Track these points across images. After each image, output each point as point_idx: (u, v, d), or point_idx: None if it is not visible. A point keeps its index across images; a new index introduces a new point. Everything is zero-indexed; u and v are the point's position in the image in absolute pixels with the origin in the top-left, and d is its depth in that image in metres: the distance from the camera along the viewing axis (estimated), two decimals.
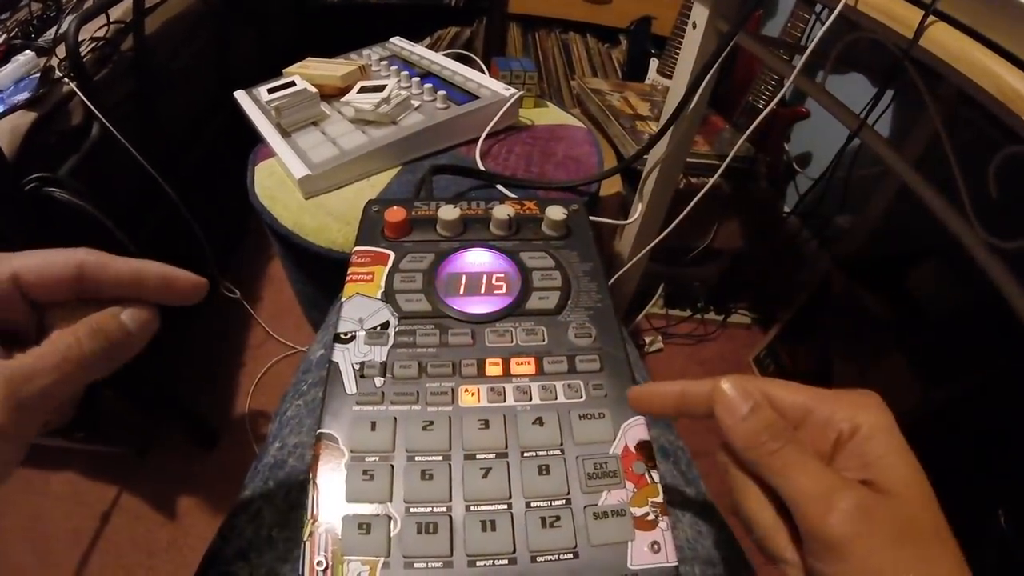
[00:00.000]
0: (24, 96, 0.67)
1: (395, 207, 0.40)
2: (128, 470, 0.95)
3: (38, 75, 0.71)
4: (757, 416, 0.23)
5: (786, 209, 1.32)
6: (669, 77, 1.20)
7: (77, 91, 0.70)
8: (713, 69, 0.63)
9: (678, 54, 0.75)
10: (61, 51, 0.71)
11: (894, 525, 0.20)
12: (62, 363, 0.21)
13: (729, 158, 0.67)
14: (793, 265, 1.28)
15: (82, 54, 0.71)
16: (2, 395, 0.19)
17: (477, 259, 0.39)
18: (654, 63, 1.34)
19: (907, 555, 0.20)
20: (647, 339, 1.22)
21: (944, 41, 0.40)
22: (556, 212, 0.40)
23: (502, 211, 0.40)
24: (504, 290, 0.37)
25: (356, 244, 0.40)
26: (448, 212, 0.40)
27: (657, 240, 0.80)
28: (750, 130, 0.62)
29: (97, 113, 0.72)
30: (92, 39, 0.77)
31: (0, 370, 0.19)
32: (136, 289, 0.24)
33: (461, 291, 0.37)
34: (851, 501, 0.21)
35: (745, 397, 0.24)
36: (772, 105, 0.60)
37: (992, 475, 0.76)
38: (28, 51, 0.73)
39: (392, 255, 0.39)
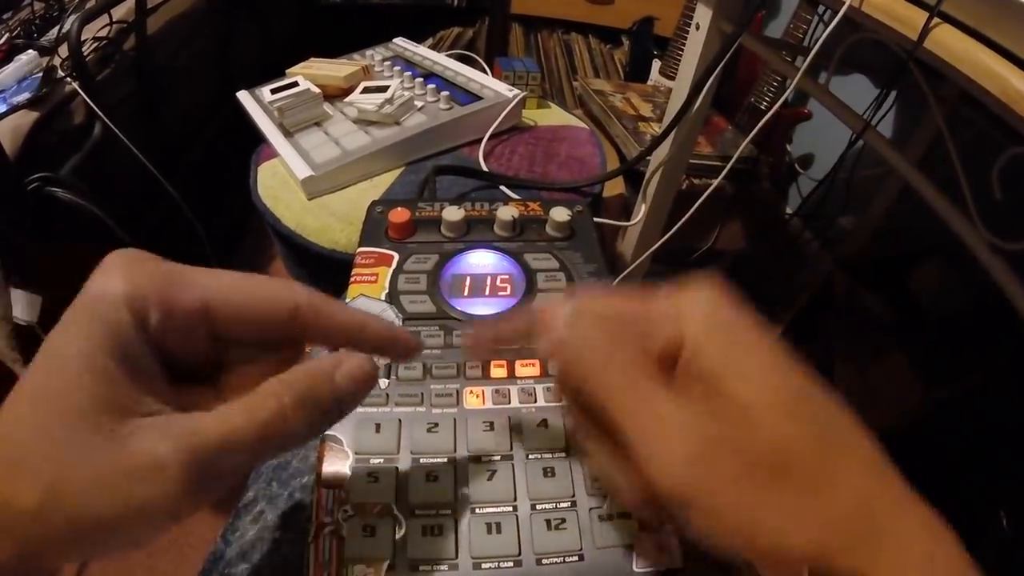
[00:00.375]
0: (26, 96, 0.67)
1: (399, 208, 0.40)
2: None
3: (40, 75, 0.71)
4: (574, 328, 0.19)
5: (788, 210, 1.31)
6: (672, 78, 1.20)
7: (79, 91, 0.70)
8: (717, 70, 0.63)
9: (681, 55, 0.75)
10: (63, 51, 0.71)
11: (741, 464, 0.16)
12: (260, 437, 0.16)
13: (733, 160, 0.67)
14: (795, 266, 1.28)
15: (84, 54, 0.71)
16: (181, 471, 0.14)
17: (481, 260, 0.39)
18: (656, 64, 1.34)
19: (766, 500, 0.15)
20: None
21: (948, 43, 0.40)
22: (560, 213, 0.40)
23: (506, 212, 0.40)
24: (508, 291, 0.37)
25: (360, 245, 0.40)
26: (452, 213, 0.40)
27: (661, 242, 0.80)
28: (755, 131, 0.62)
29: (99, 113, 0.72)
30: (95, 39, 0.77)
31: (184, 436, 0.15)
32: (350, 344, 0.20)
33: (465, 292, 0.36)
34: (688, 440, 0.16)
35: (560, 308, 0.19)
36: (776, 107, 0.60)
37: (994, 476, 0.76)
38: (30, 51, 0.73)
39: (396, 256, 0.38)
